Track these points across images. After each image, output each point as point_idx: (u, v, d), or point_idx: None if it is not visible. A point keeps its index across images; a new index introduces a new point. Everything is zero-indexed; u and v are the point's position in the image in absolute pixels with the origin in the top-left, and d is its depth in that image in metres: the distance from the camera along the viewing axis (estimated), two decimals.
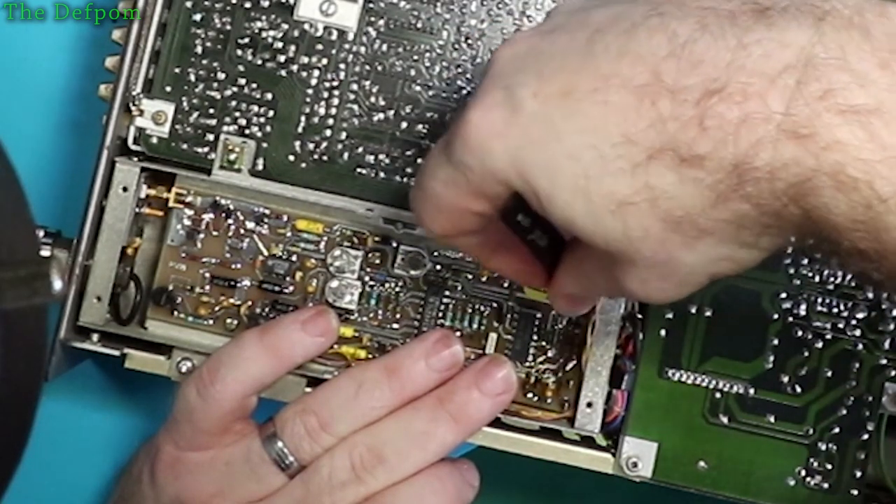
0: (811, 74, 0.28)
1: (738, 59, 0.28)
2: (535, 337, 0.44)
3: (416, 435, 0.40)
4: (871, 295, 0.44)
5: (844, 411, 0.43)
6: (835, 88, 0.28)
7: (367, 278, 0.44)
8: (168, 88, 0.44)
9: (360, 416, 0.40)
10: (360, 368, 0.41)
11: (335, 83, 0.44)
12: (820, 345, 0.43)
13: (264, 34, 0.44)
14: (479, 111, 0.31)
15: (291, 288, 0.44)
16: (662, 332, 0.43)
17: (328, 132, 0.44)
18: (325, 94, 0.44)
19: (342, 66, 0.44)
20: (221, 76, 0.44)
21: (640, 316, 0.43)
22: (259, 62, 0.44)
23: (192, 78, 0.44)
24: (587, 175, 0.30)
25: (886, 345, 0.43)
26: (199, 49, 0.44)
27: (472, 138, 0.31)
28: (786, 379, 0.43)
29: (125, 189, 0.43)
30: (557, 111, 0.30)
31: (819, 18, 0.29)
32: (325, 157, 0.44)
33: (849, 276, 0.44)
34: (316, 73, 0.44)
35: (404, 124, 0.44)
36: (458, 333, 0.44)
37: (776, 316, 0.43)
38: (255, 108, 0.44)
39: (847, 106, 0.28)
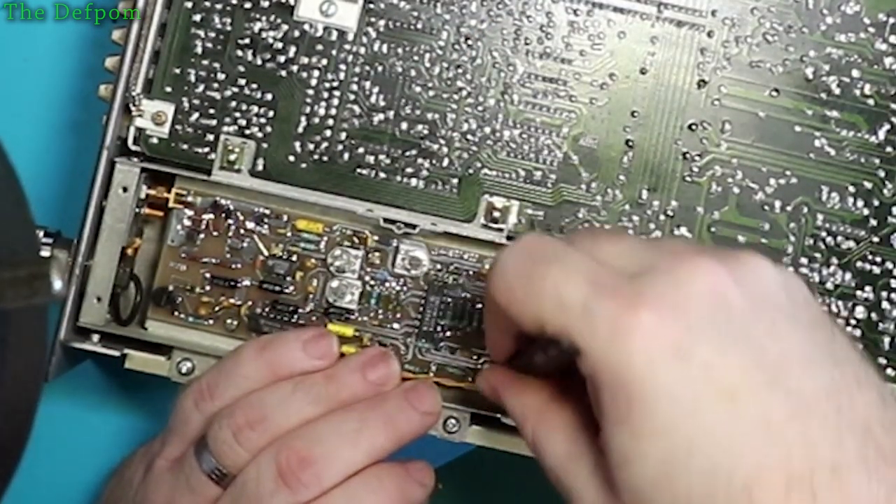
0: None
1: None
2: None
3: (345, 433, 0.39)
4: (870, 295, 0.44)
5: None
6: None
7: (367, 278, 0.44)
8: (168, 89, 0.44)
9: (293, 412, 0.39)
10: (301, 376, 0.41)
11: (335, 83, 0.44)
12: None
13: (264, 34, 0.44)
14: None
15: (291, 288, 0.44)
16: None
17: (328, 132, 0.44)
18: (325, 95, 0.44)
19: (342, 66, 0.44)
20: (221, 76, 0.44)
21: None
22: (259, 62, 0.44)
23: (192, 78, 0.44)
24: None
25: (886, 345, 0.44)
26: (199, 49, 0.44)
27: None
28: None
29: (125, 189, 0.43)
30: None
31: None
32: (325, 158, 0.44)
33: (848, 276, 0.44)
34: (316, 73, 0.44)
35: (404, 124, 0.44)
36: (458, 333, 0.44)
37: None
38: (255, 109, 0.44)
39: None
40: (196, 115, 0.44)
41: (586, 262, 0.32)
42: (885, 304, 0.44)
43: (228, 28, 0.44)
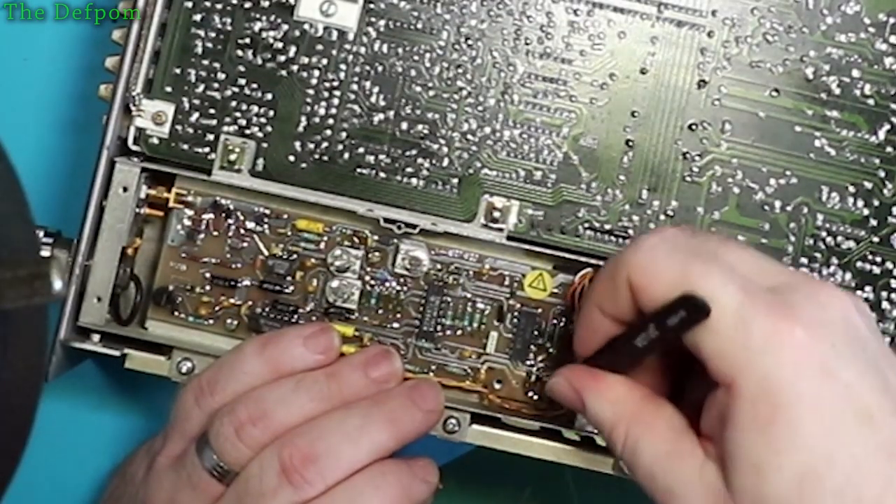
0: None
1: None
2: (535, 335, 0.44)
3: (348, 430, 0.39)
4: (870, 295, 0.44)
5: None
6: None
7: (367, 278, 0.44)
8: (168, 89, 0.44)
9: (295, 409, 0.39)
10: (303, 373, 0.40)
11: (335, 83, 0.44)
12: None
13: (264, 34, 0.44)
14: None
15: (292, 288, 0.44)
16: None
17: (328, 132, 0.44)
18: (326, 95, 0.44)
19: (342, 66, 0.44)
20: (221, 76, 0.44)
21: None
22: (259, 62, 0.44)
23: (192, 78, 0.44)
24: None
25: (886, 345, 0.43)
26: (199, 49, 0.44)
27: None
28: None
29: (125, 189, 0.43)
30: None
31: None
32: (325, 157, 0.44)
33: (848, 276, 0.44)
34: (316, 73, 0.44)
35: (404, 124, 0.44)
36: (458, 332, 0.44)
37: None
38: (255, 109, 0.44)
39: None
40: (196, 114, 0.44)
41: (735, 268, 0.33)
42: (885, 304, 0.44)
43: (228, 28, 0.44)
